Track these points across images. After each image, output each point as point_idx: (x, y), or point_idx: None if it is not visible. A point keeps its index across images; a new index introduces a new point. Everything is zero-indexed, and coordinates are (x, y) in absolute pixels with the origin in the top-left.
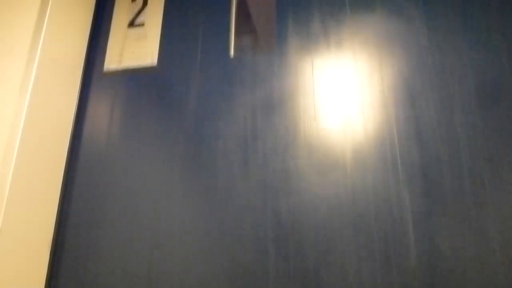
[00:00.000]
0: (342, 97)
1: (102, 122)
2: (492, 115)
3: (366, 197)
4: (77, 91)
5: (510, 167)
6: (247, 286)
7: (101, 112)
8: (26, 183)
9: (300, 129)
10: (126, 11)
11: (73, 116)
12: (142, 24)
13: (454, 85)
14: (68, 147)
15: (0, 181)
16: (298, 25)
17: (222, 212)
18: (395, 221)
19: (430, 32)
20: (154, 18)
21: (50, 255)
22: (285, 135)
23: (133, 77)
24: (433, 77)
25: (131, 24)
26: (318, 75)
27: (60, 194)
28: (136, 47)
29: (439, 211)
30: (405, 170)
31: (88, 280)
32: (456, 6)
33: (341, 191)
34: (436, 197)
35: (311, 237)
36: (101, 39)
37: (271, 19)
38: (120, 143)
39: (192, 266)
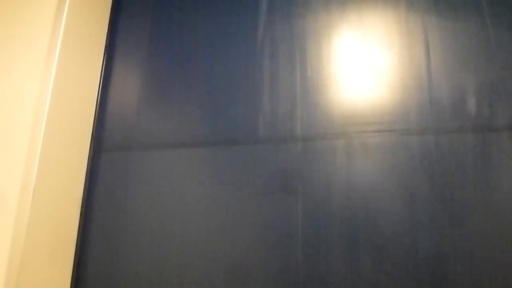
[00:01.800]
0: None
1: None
2: None
3: None
4: (101, 60)
5: None
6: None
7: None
8: (55, 151)
9: None
10: None
11: (98, 84)
12: None
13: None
14: (94, 117)
15: (30, 151)
16: None
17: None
18: None
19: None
20: None
21: (77, 233)
22: None
23: None
24: None
25: None
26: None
27: (88, 159)
28: None
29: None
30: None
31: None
32: None
33: None
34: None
35: None
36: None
37: None
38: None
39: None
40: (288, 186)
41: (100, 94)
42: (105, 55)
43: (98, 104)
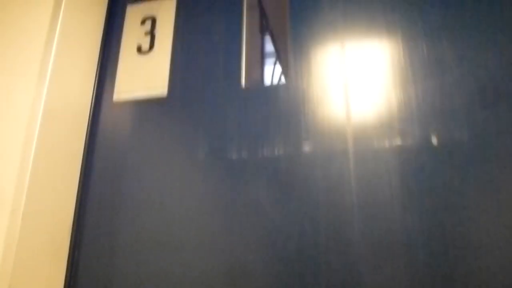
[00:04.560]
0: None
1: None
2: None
3: None
4: (95, 68)
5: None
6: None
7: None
8: (47, 169)
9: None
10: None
11: (90, 101)
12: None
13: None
14: (86, 133)
15: (21, 167)
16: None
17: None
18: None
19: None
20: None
21: (71, 238)
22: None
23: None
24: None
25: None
26: None
27: (80, 177)
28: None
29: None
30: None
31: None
32: None
33: None
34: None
35: None
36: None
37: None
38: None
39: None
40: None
41: (95, 99)
42: (99, 62)
43: (92, 106)
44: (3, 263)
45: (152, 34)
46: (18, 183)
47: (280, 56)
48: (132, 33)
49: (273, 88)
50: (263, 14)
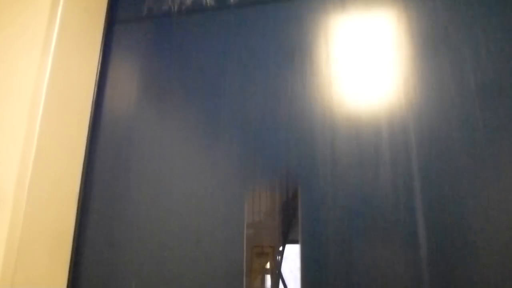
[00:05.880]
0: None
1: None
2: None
3: None
4: (99, 48)
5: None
6: None
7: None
8: (51, 145)
9: None
10: None
11: (95, 77)
12: None
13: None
14: (91, 110)
15: (26, 146)
16: None
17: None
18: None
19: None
20: None
21: (74, 229)
22: None
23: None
24: None
25: None
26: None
27: (85, 155)
28: None
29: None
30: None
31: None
32: None
33: None
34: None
35: None
36: None
37: None
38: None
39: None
40: None
41: (96, 93)
42: (101, 53)
43: (94, 98)
44: (6, 258)
45: None
46: (20, 174)
47: None
48: None
49: None
50: None
